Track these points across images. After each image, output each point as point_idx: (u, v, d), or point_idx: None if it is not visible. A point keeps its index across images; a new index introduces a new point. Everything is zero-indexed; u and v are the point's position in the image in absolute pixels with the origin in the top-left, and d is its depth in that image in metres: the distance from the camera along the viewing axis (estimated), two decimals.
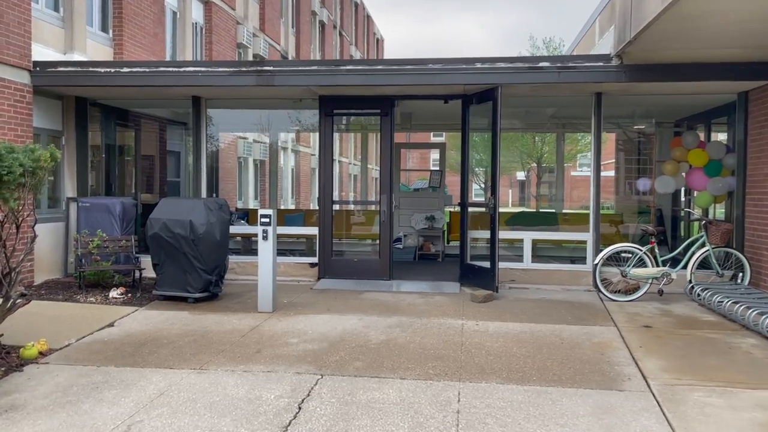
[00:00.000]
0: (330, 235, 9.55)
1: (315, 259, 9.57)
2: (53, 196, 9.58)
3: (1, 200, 5.36)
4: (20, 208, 5.55)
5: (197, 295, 7.78)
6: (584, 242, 9.14)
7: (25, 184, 5.46)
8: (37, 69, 8.78)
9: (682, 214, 11.07)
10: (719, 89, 8.68)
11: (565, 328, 6.72)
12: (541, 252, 9.98)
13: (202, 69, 9.03)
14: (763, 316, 6.32)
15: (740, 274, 8.29)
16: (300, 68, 9.08)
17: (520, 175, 39.34)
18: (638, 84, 8.28)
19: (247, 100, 10.49)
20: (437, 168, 13.71)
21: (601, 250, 8.35)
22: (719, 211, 10.19)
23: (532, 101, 10.21)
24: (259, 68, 8.87)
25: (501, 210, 8.75)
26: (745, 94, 8.72)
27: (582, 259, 9.24)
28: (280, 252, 9.01)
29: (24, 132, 8.54)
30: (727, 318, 7.07)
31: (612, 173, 14.29)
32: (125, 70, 8.99)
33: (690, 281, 8.14)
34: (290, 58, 23.61)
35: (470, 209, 9.49)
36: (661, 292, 8.20)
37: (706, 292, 7.66)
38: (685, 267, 8.27)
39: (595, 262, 8.28)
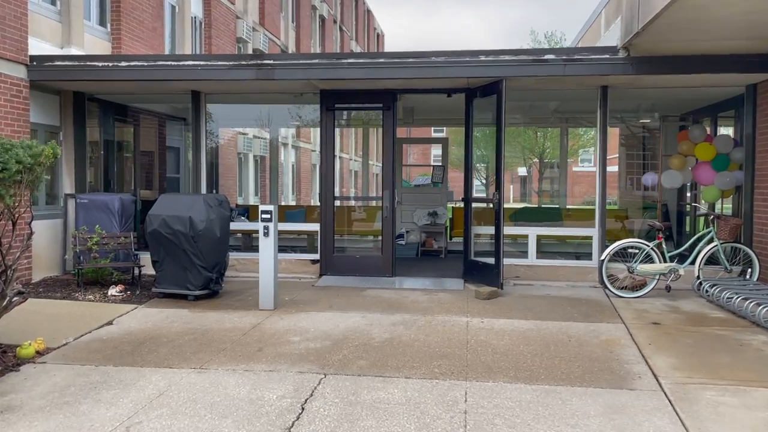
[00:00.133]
0: (332, 231, 9.44)
1: (316, 256, 9.46)
2: (51, 192, 9.46)
3: None
4: (17, 204, 5.44)
5: (197, 292, 7.67)
6: (590, 238, 9.02)
7: (22, 180, 5.35)
8: (34, 63, 8.66)
9: (689, 209, 10.95)
10: (727, 81, 8.53)
11: (572, 326, 6.61)
12: (545, 248, 9.86)
13: (202, 63, 8.90)
14: None
15: (749, 270, 8.18)
16: (301, 62, 8.94)
17: (522, 171, 39.24)
18: (645, 76, 8.15)
19: (247, 95, 10.36)
20: (439, 164, 13.59)
21: (608, 246, 8.24)
22: (726, 206, 10.07)
23: (536, 95, 10.09)
24: (259, 62, 8.73)
25: (504, 206, 8.63)
26: (753, 87, 8.59)
27: (587, 255, 9.11)
28: (281, 249, 8.91)
29: (21, 127, 8.42)
30: (737, 314, 6.95)
31: (615, 168, 14.16)
32: (123, 64, 8.88)
33: (698, 277, 8.02)
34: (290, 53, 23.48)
35: (474, 205, 9.37)
36: (668, 289, 8.09)
37: (714, 288, 7.54)
38: (693, 263, 8.15)
39: (602, 258, 8.15)
